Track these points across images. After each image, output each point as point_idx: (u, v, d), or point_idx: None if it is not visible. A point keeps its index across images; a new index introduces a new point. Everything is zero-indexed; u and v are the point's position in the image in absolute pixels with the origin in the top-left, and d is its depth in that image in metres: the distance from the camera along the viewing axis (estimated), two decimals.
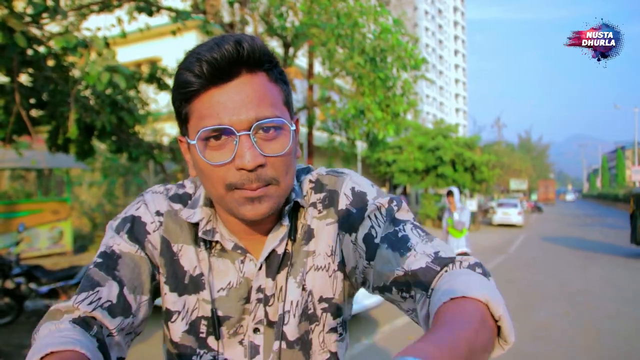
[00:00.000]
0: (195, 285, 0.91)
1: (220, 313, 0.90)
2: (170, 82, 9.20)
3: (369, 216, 0.90)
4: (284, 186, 0.84)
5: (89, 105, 6.75)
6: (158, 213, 0.94)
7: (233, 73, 0.79)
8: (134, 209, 0.94)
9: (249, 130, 0.78)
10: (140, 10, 7.24)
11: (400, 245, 0.84)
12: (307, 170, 1.01)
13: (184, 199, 0.96)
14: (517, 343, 5.48)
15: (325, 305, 0.94)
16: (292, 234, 0.93)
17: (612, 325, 6.50)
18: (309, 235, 0.94)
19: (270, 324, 0.91)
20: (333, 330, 0.96)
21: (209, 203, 0.93)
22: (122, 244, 0.90)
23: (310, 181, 0.98)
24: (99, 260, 0.88)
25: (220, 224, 0.93)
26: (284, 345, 0.91)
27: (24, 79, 6.24)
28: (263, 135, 0.80)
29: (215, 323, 0.90)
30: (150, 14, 7.24)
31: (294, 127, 0.85)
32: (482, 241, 17.09)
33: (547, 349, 5.62)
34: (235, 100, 0.78)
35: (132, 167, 14.98)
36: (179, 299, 0.91)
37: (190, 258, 0.92)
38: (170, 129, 16.05)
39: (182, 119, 0.84)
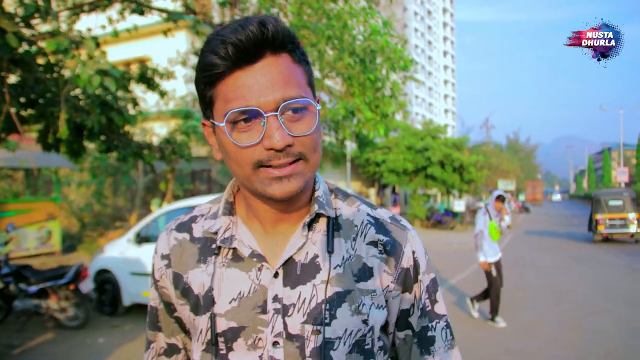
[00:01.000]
0: (207, 302, 0.91)
1: (234, 324, 0.89)
2: (160, 82, 9.19)
3: (415, 293, 0.97)
4: (312, 162, 0.85)
5: (79, 105, 6.75)
6: (163, 256, 1.00)
7: (258, 55, 0.80)
8: (153, 256, 1.03)
9: (277, 111, 0.79)
10: (131, 11, 7.25)
11: (426, 345, 0.98)
12: (342, 192, 1.02)
13: (187, 225, 1.00)
14: (505, 341, 5.58)
15: (382, 343, 0.96)
16: (329, 245, 0.90)
17: (597, 323, 6.61)
18: (368, 273, 0.93)
19: (290, 337, 0.87)
20: None
21: (228, 212, 0.96)
22: (154, 298, 1.05)
23: (369, 215, 0.98)
24: (147, 319, 1.08)
25: (239, 229, 0.94)
26: None
27: (13, 78, 6.22)
28: (290, 116, 0.81)
29: (214, 335, 0.89)
30: (141, 14, 7.25)
31: (319, 107, 0.86)
32: (470, 241, 17.19)
33: (534, 346, 5.72)
34: (262, 82, 0.79)
35: (121, 167, 14.91)
36: (200, 319, 0.92)
37: (197, 280, 0.94)
38: (159, 129, 15.97)
39: (207, 102, 0.85)
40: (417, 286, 0.97)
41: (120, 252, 7.09)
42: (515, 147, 68.43)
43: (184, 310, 0.96)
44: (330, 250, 0.90)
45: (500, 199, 6.76)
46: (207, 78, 0.82)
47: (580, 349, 5.60)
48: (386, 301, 0.95)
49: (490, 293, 6.65)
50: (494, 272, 6.62)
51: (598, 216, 16.72)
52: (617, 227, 16.47)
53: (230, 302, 0.89)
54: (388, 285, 0.94)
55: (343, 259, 0.91)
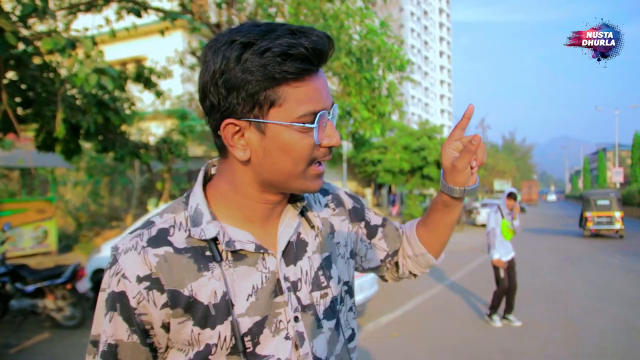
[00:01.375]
0: (223, 309, 0.89)
1: (258, 317, 0.91)
2: (157, 81, 9.16)
3: (366, 215, 1.23)
4: None
5: (75, 104, 6.73)
6: (140, 279, 0.87)
7: (323, 63, 0.89)
8: (115, 283, 0.88)
9: (330, 114, 0.91)
10: (128, 11, 7.24)
11: (395, 226, 1.27)
12: None
13: (162, 238, 0.91)
14: (502, 340, 5.59)
15: (346, 288, 1.10)
16: (309, 221, 1.06)
17: (594, 323, 6.64)
18: (333, 229, 1.11)
19: (304, 308, 0.97)
20: (350, 309, 1.11)
21: (214, 217, 0.94)
22: (115, 333, 0.89)
23: None
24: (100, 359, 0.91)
25: (230, 231, 0.94)
26: (333, 324, 1.02)
27: (10, 76, 6.20)
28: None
29: (239, 335, 0.89)
30: (138, 14, 7.24)
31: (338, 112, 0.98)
32: (466, 241, 17.27)
33: (529, 345, 5.74)
34: (325, 87, 0.90)
35: (118, 167, 14.87)
36: (214, 331, 0.89)
37: (205, 290, 0.89)
38: (155, 129, 15.93)
39: (258, 102, 0.84)
40: (366, 207, 1.24)
41: None
42: (511, 148, 68.70)
43: (183, 327, 0.89)
44: (312, 225, 1.06)
45: (512, 196, 6.64)
46: (275, 79, 0.83)
47: (576, 348, 5.63)
48: (353, 241, 1.17)
49: (495, 291, 6.65)
50: (502, 273, 6.58)
51: (587, 214, 18.78)
52: (604, 224, 18.49)
53: (247, 299, 0.92)
54: (350, 228, 1.17)
55: (318, 228, 1.07)
